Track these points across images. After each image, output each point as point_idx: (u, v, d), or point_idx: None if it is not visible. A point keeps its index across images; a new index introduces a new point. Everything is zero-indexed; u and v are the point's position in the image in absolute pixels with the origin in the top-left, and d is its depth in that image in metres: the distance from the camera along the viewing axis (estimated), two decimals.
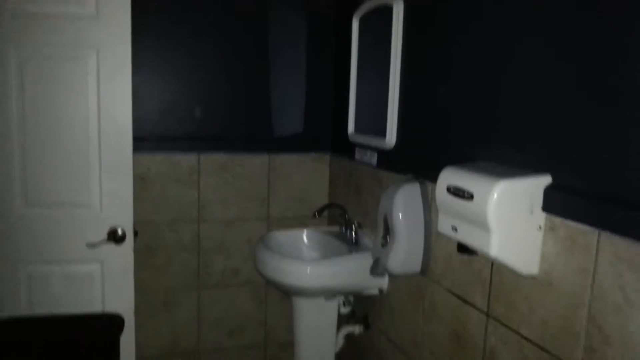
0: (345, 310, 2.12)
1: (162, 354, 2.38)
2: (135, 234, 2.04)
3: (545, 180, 1.17)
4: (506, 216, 1.17)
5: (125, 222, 1.99)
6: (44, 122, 1.91)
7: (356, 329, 2.10)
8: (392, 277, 1.86)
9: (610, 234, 1.01)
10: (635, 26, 0.97)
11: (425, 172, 1.63)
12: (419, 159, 1.70)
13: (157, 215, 2.26)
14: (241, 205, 2.37)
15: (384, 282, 1.89)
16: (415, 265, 1.62)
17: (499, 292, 1.33)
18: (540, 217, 1.19)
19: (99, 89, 1.92)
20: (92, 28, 1.89)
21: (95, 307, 2.05)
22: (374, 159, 1.95)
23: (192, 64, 2.26)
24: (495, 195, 1.15)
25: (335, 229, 2.17)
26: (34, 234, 1.95)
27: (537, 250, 1.20)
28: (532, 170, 1.20)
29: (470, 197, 1.20)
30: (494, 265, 1.35)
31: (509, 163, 1.29)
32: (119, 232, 1.97)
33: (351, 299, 2.14)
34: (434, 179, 1.36)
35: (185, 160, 2.26)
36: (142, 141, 2.16)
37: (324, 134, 2.44)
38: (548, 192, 1.16)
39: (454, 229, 1.30)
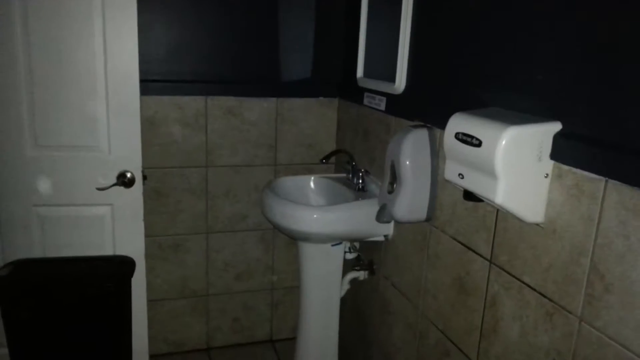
0: (350, 256, 2.15)
1: (172, 296, 2.44)
2: (144, 177, 2.06)
3: (555, 127, 1.14)
4: (514, 163, 1.15)
5: (133, 166, 2.00)
6: (49, 64, 1.89)
7: (361, 274, 2.13)
8: (398, 224, 1.87)
9: (617, 183, 1.00)
10: None
11: (434, 118, 1.61)
12: (428, 105, 1.67)
13: (165, 159, 2.27)
14: (248, 151, 2.36)
15: (389, 228, 1.90)
16: (421, 212, 1.62)
17: (503, 240, 1.34)
18: (548, 164, 1.17)
19: (104, 28, 1.89)
20: None
21: (107, 251, 2.09)
22: (382, 104, 1.92)
23: (199, 4, 2.20)
24: (504, 142, 1.13)
25: (342, 175, 2.17)
26: (44, 176, 1.97)
27: (543, 198, 1.19)
28: (542, 117, 1.17)
29: (478, 143, 1.18)
30: (499, 212, 1.35)
31: (519, 110, 1.26)
32: (128, 175, 1.99)
33: (357, 245, 2.16)
34: (442, 125, 1.34)
35: (193, 103, 2.24)
36: (149, 83, 2.14)
37: (332, 78, 2.40)
38: (557, 139, 1.14)
39: (461, 176, 1.29)
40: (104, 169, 1.99)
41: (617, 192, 1.00)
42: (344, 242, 2.01)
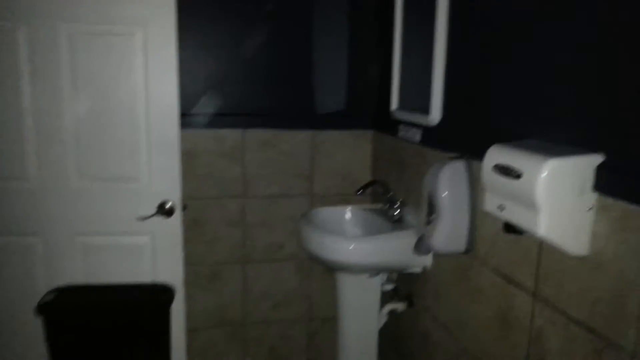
0: (388, 287, 2.13)
1: (209, 324, 2.46)
2: (184, 207, 2.10)
3: (597, 159, 1.12)
4: (555, 195, 1.13)
5: (173, 196, 2.05)
6: (94, 98, 1.97)
7: (399, 306, 2.10)
8: (436, 256, 1.85)
9: None
10: None
11: (470, 149, 1.60)
12: (464, 136, 1.66)
13: (203, 190, 2.31)
14: (284, 182, 2.39)
15: (427, 260, 1.88)
16: (460, 244, 1.60)
17: (547, 273, 1.30)
18: (591, 196, 1.15)
19: (146, 64, 1.97)
20: (138, 4, 1.92)
21: (146, 278, 2.13)
22: (417, 135, 1.92)
23: (236, 40, 2.27)
24: (545, 174, 1.12)
25: (379, 206, 2.17)
26: (87, 206, 2.04)
27: (587, 230, 1.16)
28: (583, 149, 1.15)
29: (518, 175, 1.17)
30: (542, 245, 1.32)
31: (558, 141, 1.25)
32: (168, 205, 2.04)
33: (394, 276, 2.14)
34: (479, 156, 1.34)
35: (230, 135, 2.30)
36: (188, 117, 2.20)
37: (366, 110, 2.42)
38: (599, 171, 1.12)
39: (501, 208, 1.28)
40: (144, 200, 2.05)
41: None
42: (381, 274, 2.00)
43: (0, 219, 2.01)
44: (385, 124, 2.25)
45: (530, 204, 1.16)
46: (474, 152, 1.57)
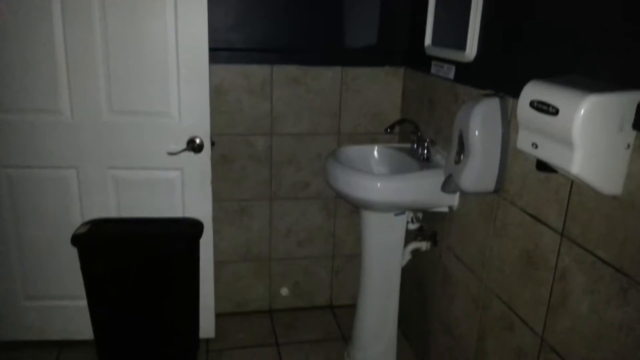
0: (413, 226, 2.14)
1: (236, 258, 2.53)
2: (212, 143, 2.12)
3: (639, 96, 1.08)
4: (592, 133, 1.11)
5: (202, 132, 2.06)
6: (125, 33, 1.96)
7: (423, 245, 2.12)
8: (464, 195, 1.84)
9: None
10: None
11: (506, 86, 1.55)
12: (500, 73, 1.61)
13: (231, 126, 2.32)
14: (312, 119, 2.38)
15: (454, 199, 1.88)
16: (489, 183, 1.59)
17: (577, 212, 1.29)
18: (630, 134, 1.12)
19: (175, 0, 1.94)
20: None
21: (176, 213, 2.19)
22: (451, 72, 1.87)
23: None
24: (583, 111, 1.09)
25: (407, 145, 2.15)
26: (119, 140, 2.08)
27: (623, 169, 1.14)
28: (626, 85, 1.11)
29: (555, 112, 1.14)
30: (573, 184, 1.30)
31: (600, 77, 1.21)
32: (197, 141, 2.06)
33: (420, 215, 2.15)
34: (516, 94, 1.30)
35: (259, 71, 2.27)
36: (217, 52, 2.18)
37: (398, 46, 2.35)
38: None
39: (534, 145, 1.25)
40: (174, 135, 2.07)
41: None
42: (406, 212, 2.01)
43: (36, 152, 2.06)
44: (418, 60, 2.20)
45: (565, 142, 1.14)
46: (509, 90, 1.53)
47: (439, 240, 2.05)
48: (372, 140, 2.44)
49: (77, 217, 2.16)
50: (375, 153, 2.18)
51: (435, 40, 2.00)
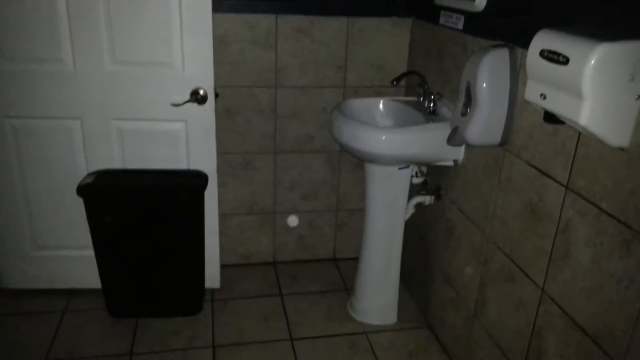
0: (417, 180, 2.15)
1: (241, 211, 2.55)
2: (216, 95, 2.10)
3: None
4: (603, 83, 1.09)
5: (206, 83, 2.04)
6: None
7: (427, 199, 2.13)
8: (469, 148, 1.83)
9: None
10: None
11: (516, 37, 1.52)
12: (510, 23, 1.58)
13: (235, 78, 2.29)
14: (318, 72, 2.35)
15: (459, 153, 1.87)
16: (495, 136, 1.57)
17: (583, 165, 1.29)
18: None
19: None
20: None
21: (181, 165, 2.19)
22: (460, 23, 1.83)
23: None
24: (594, 60, 1.07)
25: (413, 98, 2.12)
26: (122, 91, 2.06)
27: (632, 120, 1.13)
28: (638, 34, 1.08)
29: (565, 61, 1.12)
30: (580, 136, 1.29)
31: (613, 26, 1.17)
32: (201, 92, 2.04)
33: (424, 169, 2.15)
34: (525, 44, 1.28)
35: (263, 21, 2.22)
36: (220, 0, 2.13)
37: None
38: None
39: (543, 96, 1.24)
40: (178, 86, 2.05)
41: None
42: (411, 166, 2.00)
43: (39, 102, 2.05)
44: (426, 10, 2.14)
45: (575, 92, 1.12)
46: (519, 40, 1.50)
47: (443, 194, 2.06)
48: (378, 93, 2.41)
49: (82, 168, 2.16)
50: (381, 106, 2.16)
51: None
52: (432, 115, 1.95)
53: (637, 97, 1.11)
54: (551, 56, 1.16)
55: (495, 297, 1.71)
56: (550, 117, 1.26)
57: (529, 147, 1.49)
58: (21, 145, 2.12)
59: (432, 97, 1.96)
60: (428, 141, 1.82)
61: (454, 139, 1.66)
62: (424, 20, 2.20)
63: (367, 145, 1.83)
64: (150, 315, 2.23)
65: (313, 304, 2.39)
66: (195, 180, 2.11)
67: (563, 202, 1.36)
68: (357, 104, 2.12)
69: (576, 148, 1.31)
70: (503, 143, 1.59)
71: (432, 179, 2.14)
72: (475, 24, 1.76)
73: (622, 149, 1.16)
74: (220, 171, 2.31)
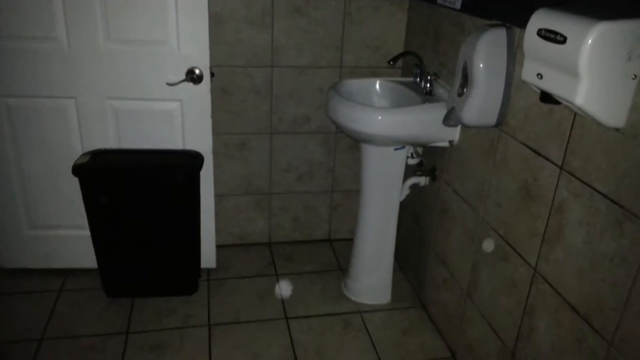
0: (413, 161, 2.15)
1: (237, 192, 2.55)
2: (212, 75, 2.09)
3: None
4: (599, 62, 1.09)
5: (202, 62, 2.03)
6: None
7: (422, 180, 2.14)
8: (465, 129, 1.84)
9: None
10: None
11: (514, 16, 1.51)
12: (508, 2, 1.56)
13: (231, 58, 2.27)
14: (314, 52, 2.33)
15: (455, 133, 1.87)
16: (491, 117, 1.57)
17: (578, 145, 1.29)
18: (638, 65, 1.10)
19: None
20: None
21: (176, 145, 2.19)
22: (458, 2, 1.81)
23: None
24: (591, 39, 1.06)
25: (410, 79, 2.12)
26: (117, 69, 2.04)
27: (628, 101, 1.13)
28: (637, 13, 1.08)
29: (562, 40, 1.12)
30: (576, 117, 1.29)
31: (611, 5, 1.17)
32: (197, 72, 2.03)
33: (420, 150, 2.15)
34: (522, 24, 1.27)
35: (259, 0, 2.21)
36: None
37: None
38: None
39: (540, 76, 1.24)
40: (173, 65, 2.03)
41: None
42: (406, 147, 2.00)
43: (33, 80, 2.03)
44: None
45: (571, 72, 1.12)
46: (517, 20, 1.49)
47: (438, 175, 2.06)
48: (375, 74, 2.40)
49: (77, 148, 2.15)
50: (377, 86, 2.15)
51: None
52: (428, 96, 1.95)
53: (633, 77, 1.11)
54: (549, 35, 1.16)
55: (488, 277, 1.72)
56: (547, 97, 1.27)
57: (525, 128, 1.49)
58: (16, 124, 2.10)
59: (429, 77, 1.96)
60: (424, 122, 1.82)
61: (449, 119, 1.66)
62: (421, 0, 2.19)
63: (363, 126, 1.83)
64: (146, 295, 2.24)
65: (308, 283, 2.41)
66: (191, 161, 2.11)
67: (557, 182, 1.37)
68: (354, 85, 2.12)
69: (571, 129, 1.31)
70: (499, 124, 1.59)
71: (427, 160, 2.14)
72: (473, 3, 1.74)
73: (617, 130, 1.17)
74: (216, 152, 2.31)
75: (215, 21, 2.18)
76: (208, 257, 2.37)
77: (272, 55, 2.30)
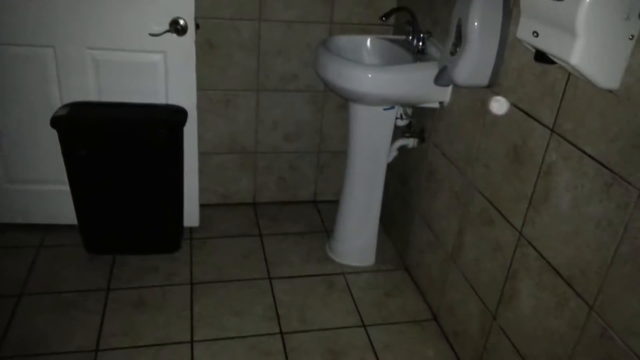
0: (402, 123, 2.11)
1: (221, 150, 2.50)
2: (197, 26, 2.01)
3: None
4: (597, 20, 1.05)
5: (186, 12, 1.95)
6: None
7: (410, 142, 2.11)
8: (456, 90, 1.80)
9: None
10: None
11: None
12: None
13: (217, 9, 2.19)
14: (304, 5, 2.25)
15: (446, 94, 1.83)
16: (484, 77, 1.54)
17: (570, 107, 1.26)
18: (636, 25, 1.06)
19: None
20: None
21: (159, 100, 2.12)
22: None
23: None
24: None
25: (402, 37, 2.06)
26: (97, 18, 1.96)
27: (623, 62, 1.10)
28: None
29: None
30: (570, 78, 1.26)
31: None
32: (181, 22, 1.95)
33: (409, 111, 2.11)
34: None
35: None
36: None
37: None
38: None
39: (535, 34, 1.20)
40: (156, 14, 1.95)
41: None
42: (396, 107, 1.96)
43: (8, 26, 1.94)
44: None
45: (568, 29, 1.08)
46: None
47: (427, 137, 2.03)
48: (366, 31, 2.33)
49: (56, 100, 2.08)
50: (368, 44, 2.10)
51: None
52: (420, 55, 1.90)
53: (630, 37, 1.08)
54: None
55: (472, 240, 1.72)
56: (541, 57, 1.23)
57: (517, 89, 1.46)
58: None
59: (422, 36, 1.90)
60: (415, 81, 1.78)
61: (441, 78, 1.62)
62: None
63: (352, 84, 1.78)
64: (128, 252, 2.21)
65: (292, 244, 2.40)
66: (174, 116, 2.05)
67: (547, 145, 1.35)
68: (344, 41, 2.06)
69: (564, 90, 1.28)
70: (491, 84, 1.56)
71: (417, 122, 2.11)
72: None
73: (610, 92, 1.14)
74: (200, 108, 2.25)
75: None
76: (191, 215, 2.34)
77: (260, 8, 2.22)
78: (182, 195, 2.17)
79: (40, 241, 2.25)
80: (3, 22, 1.93)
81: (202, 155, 2.42)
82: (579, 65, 1.10)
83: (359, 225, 2.20)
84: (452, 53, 1.57)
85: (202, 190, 2.47)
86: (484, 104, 1.62)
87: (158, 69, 2.06)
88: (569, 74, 1.25)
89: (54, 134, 1.96)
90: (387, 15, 1.95)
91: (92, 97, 2.09)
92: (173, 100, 2.12)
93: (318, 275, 2.20)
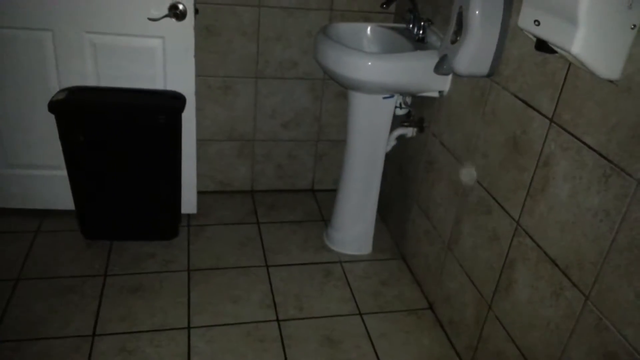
0: (401, 112, 2.11)
1: (220, 137, 2.49)
2: (196, 11, 2.00)
3: None
4: (599, 9, 1.04)
5: None
6: None
7: (409, 131, 2.10)
8: (456, 79, 1.79)
9: None
10: None
11: None
12: None
13: None
14: None
15: (445, 83, 1.82)
16: (484, 66, 1.53)
17: (570, 97, 1.26)
18: (638, 14, 1.05)
19: None
20: None
21: (158, 85, 2.11)
22: None
23: None
24: None
25: (402, 25, 2.05)
26: (96, 1, 1.94)
27: (625, 52, 1.09)
28: None
29: None
30: (570, 68, 1.25)
31: None
32: (180, 7, 1.93)
33: (409, 100, 2.10)
34: None
35: None
36: None
37: None
38: None
39: (537, 22, 1.19)
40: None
41: None
42: (395, 96, 1.95)
43: (7, 9, 1.92)
44: None
45: (570, 18, 1.07)
46: None
47: (426, 126, 2.03)
48: (366, 18, 2.31)
49: (54, 84, 2.07)
50: (369, 31, 2.08)
51: None
52: (420, 43, 1.89)
53: (632, 26, 1.07)
54: None
55: (470, 229, 1.72)
56: (542, 46, 1.22)
57: (517, 79, 1.45)
58: None
59: (422, 24, 1.89)
60: (415, 69, 1.77)
61: (441, 67, 1.61)
62: None
63: (352, 71, 1.77)
64: (125, 238, 2.21)
65: (290, 233, 2.40)
66: (173, 102, 2.04)
67: (546, 135, 1.34)
68: (344, 29, 2.04)
69: (565, 80, 1.27)
70: (491, 74, 1.55)
71: (416, 111, 2.10)
72: None
73: (611, 82, 1.13)
74: (199, 94, 2.23)
75: None
76: (189, 202, 2.34)
77: None
78: (180, 182, 2.17)
79: (38, 226, 2.25)
80: (1, 4, 1.91)
81: (200, 142, 2.41)
82: (579, 54, 1.09)
83: (356, 214, 2.20)
84: (453, 42, 1.56)
85: (200, 177, 2.47)
86: (484, 93, 1.61)
87: (157, 54, 2.04)
88: (570, 63, 1.25)
89: (51, 119, 1.96)
90: (387, 2, 1.94)
91: (90, 81, 2.08)
92: (171, 86, 2.11)
93: (315, 263, 2.21)
